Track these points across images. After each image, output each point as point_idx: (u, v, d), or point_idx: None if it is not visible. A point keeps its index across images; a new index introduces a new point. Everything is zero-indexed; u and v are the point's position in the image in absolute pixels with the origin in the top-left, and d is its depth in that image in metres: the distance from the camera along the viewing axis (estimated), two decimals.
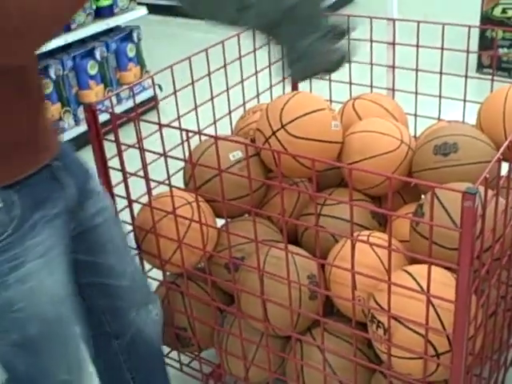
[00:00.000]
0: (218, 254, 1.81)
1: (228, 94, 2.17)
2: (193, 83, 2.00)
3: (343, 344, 1.63)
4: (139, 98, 3.63)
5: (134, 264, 1.66)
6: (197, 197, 1.66)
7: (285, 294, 1.56)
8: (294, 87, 2.46)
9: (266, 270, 1.60)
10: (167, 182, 1.69)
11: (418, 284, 1.40)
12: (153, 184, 1.81)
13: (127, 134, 1.84)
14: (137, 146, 1.73)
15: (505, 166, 1.51)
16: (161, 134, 1.64)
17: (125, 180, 1.76)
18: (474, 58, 4.18)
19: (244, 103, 2.25)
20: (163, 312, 1.88)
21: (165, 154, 1.65)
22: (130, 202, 1.76)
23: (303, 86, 2.40)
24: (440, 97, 2.19)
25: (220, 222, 1.90)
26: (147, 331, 1.67)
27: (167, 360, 1.92)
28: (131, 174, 1.77)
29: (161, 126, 1.62)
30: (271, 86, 2.35)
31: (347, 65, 2.26)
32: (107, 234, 1.51)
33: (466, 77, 2.15)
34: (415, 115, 2.25)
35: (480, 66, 4.24)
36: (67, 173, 1.32)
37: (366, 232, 1.67)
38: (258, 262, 1.55)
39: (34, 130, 1.25)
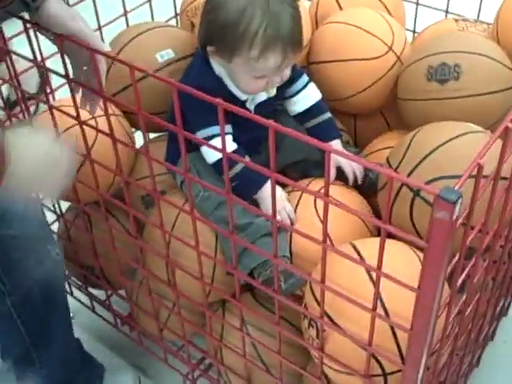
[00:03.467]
0: (136, 182, 1.38)
1: None
2: None
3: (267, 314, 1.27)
4: None
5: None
6: (105, 105, 1.12)
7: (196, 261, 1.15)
8: None
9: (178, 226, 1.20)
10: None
11: (369, 275, 1.00)
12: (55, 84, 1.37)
13: None
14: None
15: None
16: None
17: None
18: None
19: None
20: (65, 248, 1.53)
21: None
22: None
23: None
24: (447, 12, 1.65)
25: None
26: (46, 277, 1.31)
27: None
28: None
29: None
30: None
31: None
32: None
33: None
34: (416, 4, 1.72)
35: None
36: None
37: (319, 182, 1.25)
38: (160, 217, 1.14)
39: None
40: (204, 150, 1.18)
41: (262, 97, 1.22)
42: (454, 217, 0.70)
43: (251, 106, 1.22)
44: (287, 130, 0.81)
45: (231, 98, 1.19)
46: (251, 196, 1.16)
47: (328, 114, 1.31)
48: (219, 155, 1.10)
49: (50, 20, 1.05)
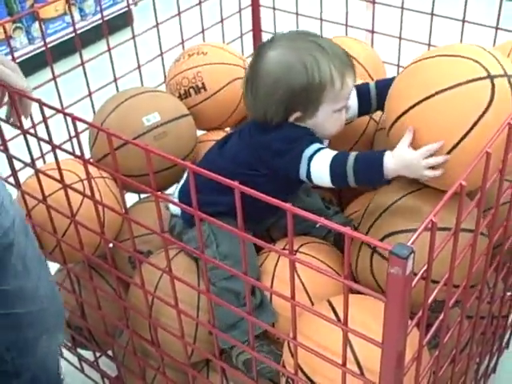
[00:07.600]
0: (118, 243, 1.37)
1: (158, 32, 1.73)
2: None
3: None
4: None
5: (47, 275, 1.23)
6: (86, 168, 1.14)
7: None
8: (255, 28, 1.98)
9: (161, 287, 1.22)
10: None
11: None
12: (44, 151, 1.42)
13: None
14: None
15: None
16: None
17: None
18: None
19: (182, 41, 1.80)
20: None
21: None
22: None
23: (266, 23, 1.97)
24: (429, 45, 1.72)
25: None
26: (50, 358, 1.31)
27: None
28: None
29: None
30: (222, 20, 1.89)
31: None
32: (15, 250, 1.10)
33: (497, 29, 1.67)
34: (398, 66, 1.79)
35: None
36: None
37: (304, 239, 1.29)
38: (141, 277, 1.16)
39: None
40: (315, 172, 1.13)
41: None
42: (408, 271, 0.72)
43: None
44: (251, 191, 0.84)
45: None
46: (381, 178, 1.07)
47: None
48: (327, 162, 1.10)
49: None
